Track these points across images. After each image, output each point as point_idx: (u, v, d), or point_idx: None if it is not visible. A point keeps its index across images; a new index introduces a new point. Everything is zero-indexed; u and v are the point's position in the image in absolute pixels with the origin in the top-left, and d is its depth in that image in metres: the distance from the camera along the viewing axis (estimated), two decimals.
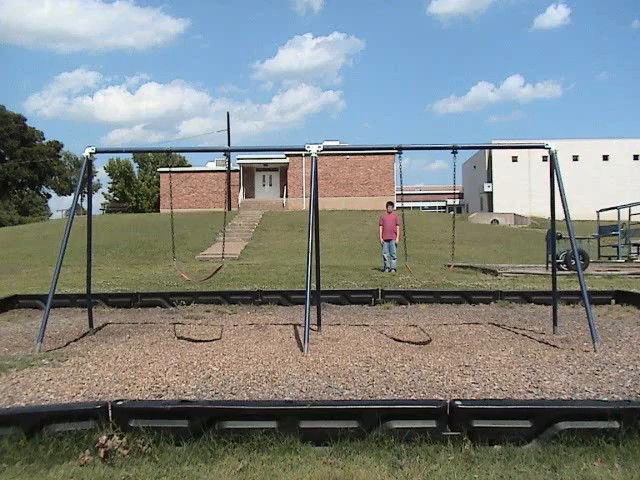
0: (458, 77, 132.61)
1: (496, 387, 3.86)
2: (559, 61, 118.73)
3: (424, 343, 5.45)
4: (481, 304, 8.03)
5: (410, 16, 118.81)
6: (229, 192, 36.69)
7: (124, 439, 2.85)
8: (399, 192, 38.64)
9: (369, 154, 37.87)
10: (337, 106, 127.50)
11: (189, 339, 5.77)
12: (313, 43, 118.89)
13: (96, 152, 5.87)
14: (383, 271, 12.27)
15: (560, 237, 11.04)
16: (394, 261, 12.62)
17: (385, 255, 12.75)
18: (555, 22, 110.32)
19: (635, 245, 16.96)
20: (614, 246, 16.95)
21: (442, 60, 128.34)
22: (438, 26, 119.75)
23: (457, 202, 59.51)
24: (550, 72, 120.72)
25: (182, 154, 57.38)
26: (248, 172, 40.27)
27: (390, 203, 13.60)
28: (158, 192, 47.91)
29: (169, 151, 6.63)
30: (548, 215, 6.34)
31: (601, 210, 18.29)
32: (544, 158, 38.77)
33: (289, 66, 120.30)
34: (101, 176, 63.04)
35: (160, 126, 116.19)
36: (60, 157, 64.11)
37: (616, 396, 3.62)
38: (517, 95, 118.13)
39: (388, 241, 12.75)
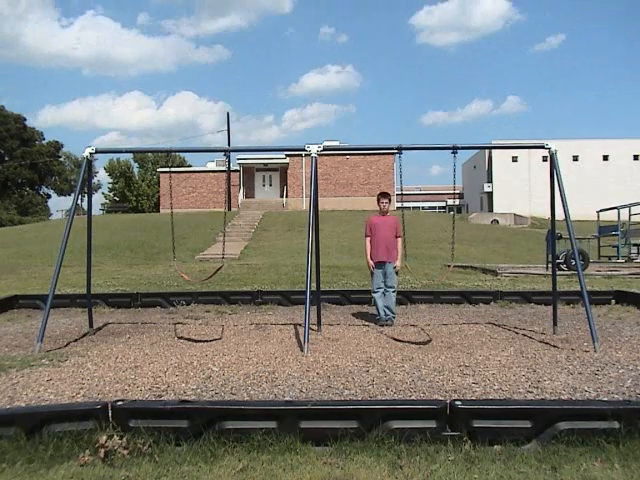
0: (460, 97, 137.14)
1: (496, 387, 3.86)
2: (558, 71, 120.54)
3: (424, 343, 5.45)
4: (481, 304, 8.03)
5: (415, 46, 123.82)
6: (229, 192, 36.70)
7: (124, 439, 2.85)
8: (399, 192, 38.64)
9: (369, 154, 37.88)
10: (351, 119, 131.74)
11: (189, 339, 5.77)
12: (334, 69, 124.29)
13: (96, 152, 5.87)
14: (377, 321, 6.57)
15: (560, 237, 11.04)
16: (393, 297, 6.53)
17: (376, 295, 6.56)
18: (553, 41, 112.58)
19: (635, 245, 16.96)
20: (614, 246, 16.96)
21: (444, 83, 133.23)
22: (442, 53, 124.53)
23: (457, 202, 59.47)
24: (549, 82, 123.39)
25: (182, 154, 57.37)
26: (248, 172, 40.26)
27: (384, 195, 6.82)
28: (158, 192, 47.92)
29: (169, 151, 6.64)
30: (548, 215, 6.34)
31: (601, 210, 18.29)
32: (544, 158, 38.77)
33: (312, 88, 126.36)
34: (101, 176, 63.10)
35: (180, 134, 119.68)
36: (60, 157, 64.08)
37: (616, 396, 3.62)
38: (515, 110, 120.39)
39: (382, 265, 6.55)
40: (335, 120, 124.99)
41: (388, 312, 6.50)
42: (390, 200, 6.80)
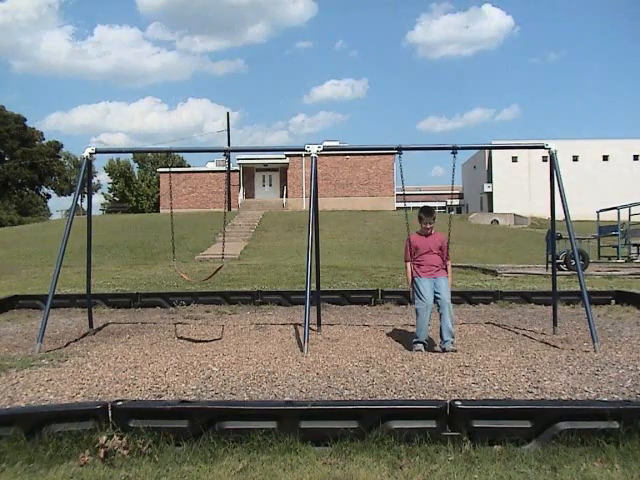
0: (460, 105, 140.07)
1: (496, 387, 3.86)
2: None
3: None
4: (481, 304, 8.02)
5: (418, 59, 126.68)
6: (229, 192, 36.66)
7: (124, 439, 2.85)
8: (399, 192, 38.62)
9: (369, 154, 37.87)
10: (357, 127, 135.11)
11: (189, 339, 5.78)
12: (344, 82, 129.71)
13: (96, 152, 5.87)
14: (413, 345, 5.15)
15: (560, 237, 11.04)
16: (450, 312, 5.17)
17: (421, 307, 5.19)
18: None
19: (635, 245, 16.96)
20: (614, 246, 16.95)
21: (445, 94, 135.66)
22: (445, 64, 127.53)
23: (457, 202, 59.49)
24: (549, 86, 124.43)
25: (182, 154, 57.38)
26: (248, 172, 40.26)
27: (427, 212, 5.44)
28: (158, 192, 47.90)
29: (168, 151, 6.64)
30: (548, 215, 6.33)
31: (601, 210, 18.29)
32: (544, 158, 38.72)
33: (323, 97, 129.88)
34: (101, 176, 63.10)
35: (191, 139, 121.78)
36: (60, 157, 64.05)
37: (616, 396, 3.62)
38: (514, 117, 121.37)
39: (431, 279, 5.26)
40: (342, 126, 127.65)
41: (447, 336, 5.03)
42: (435, 219, 5.37)
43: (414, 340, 5.15)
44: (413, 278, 5.32)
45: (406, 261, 5.44)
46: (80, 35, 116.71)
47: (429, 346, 5.28)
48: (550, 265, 8.87)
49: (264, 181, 40.95)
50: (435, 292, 5.14)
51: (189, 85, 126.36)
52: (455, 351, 4.97)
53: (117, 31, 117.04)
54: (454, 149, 5.64)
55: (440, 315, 5.13)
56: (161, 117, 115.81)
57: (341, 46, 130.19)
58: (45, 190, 65.10)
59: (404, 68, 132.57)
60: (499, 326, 6.40)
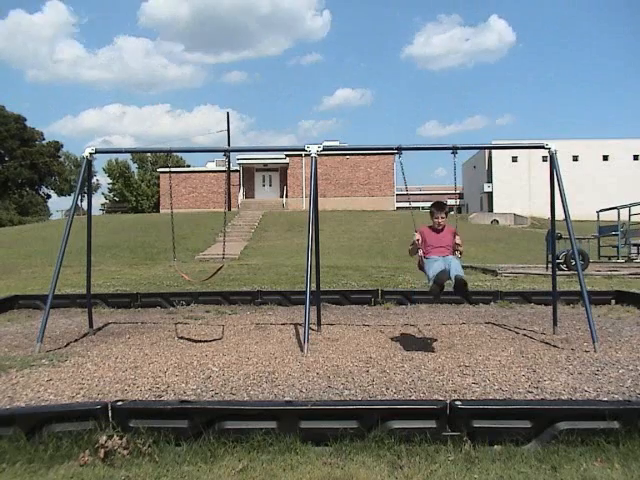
0: (460, 113, 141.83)
1: (496, 387, 3.86)
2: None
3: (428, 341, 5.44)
4: (481, 304, 8.03)
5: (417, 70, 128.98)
6: (229, 192, 36.66)
7: (124, 439, 2.85)
8: (399, 192, 38.64)
9: (369, 154, 37.88)
10: (361, 133, 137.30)
11: (189, 339, 5.77)
12: (352, 93, 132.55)
13: (96, 152, 5.87)
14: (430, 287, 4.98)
15: (560, 237, 11.03)
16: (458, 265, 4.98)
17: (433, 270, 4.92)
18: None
19: (635, 245, 16.95)
20: (614, 246, 16.95)
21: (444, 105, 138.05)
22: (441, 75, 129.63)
23: (457, 202, 59.51)
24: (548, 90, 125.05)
25: (180, 154, 57.35)
26: (248, 172, 40.27)
27: (438, 207, 5.33)
28: (158, 192, 47.91)
29: (168, 151, 6.62)
30: (548, 215, 6.33)
31: (601, 210, 18.28)
32: (544, 158, 38.72)
33: (333, 105, 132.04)
34: (101, 177, 63.10)
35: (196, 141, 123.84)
36: (60, 157, 64.03)
37: (616, 396, 3.62)
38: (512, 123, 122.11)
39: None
40: (347, 131, 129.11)
41: (454, 272, 4.77)
42: (447, 214, 5.25)
43: (431, 279, 4.84)
44: (422, 261, 5.12)
45: (411, 253, 5.29)
46: (95, 45, 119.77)
47: (428, 345, 5.30)
48: (550, 265, 8.86)
49: (264, 181, 40.97)
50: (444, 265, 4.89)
51: (201, 93, 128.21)
52: (465, 284, 4.75)
53: (132, 42, 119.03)
54: (454, 149, 5.63)
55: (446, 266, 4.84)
56: (172, 122, 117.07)
57: (351, 59, 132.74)
58: (45, 190, 65.11)
59: (405, 78, 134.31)
60: (499, 326, 6.40)
